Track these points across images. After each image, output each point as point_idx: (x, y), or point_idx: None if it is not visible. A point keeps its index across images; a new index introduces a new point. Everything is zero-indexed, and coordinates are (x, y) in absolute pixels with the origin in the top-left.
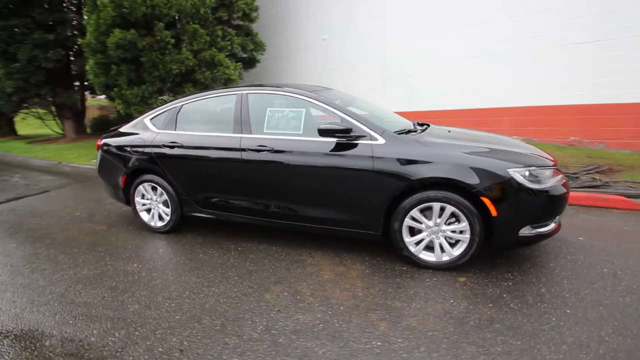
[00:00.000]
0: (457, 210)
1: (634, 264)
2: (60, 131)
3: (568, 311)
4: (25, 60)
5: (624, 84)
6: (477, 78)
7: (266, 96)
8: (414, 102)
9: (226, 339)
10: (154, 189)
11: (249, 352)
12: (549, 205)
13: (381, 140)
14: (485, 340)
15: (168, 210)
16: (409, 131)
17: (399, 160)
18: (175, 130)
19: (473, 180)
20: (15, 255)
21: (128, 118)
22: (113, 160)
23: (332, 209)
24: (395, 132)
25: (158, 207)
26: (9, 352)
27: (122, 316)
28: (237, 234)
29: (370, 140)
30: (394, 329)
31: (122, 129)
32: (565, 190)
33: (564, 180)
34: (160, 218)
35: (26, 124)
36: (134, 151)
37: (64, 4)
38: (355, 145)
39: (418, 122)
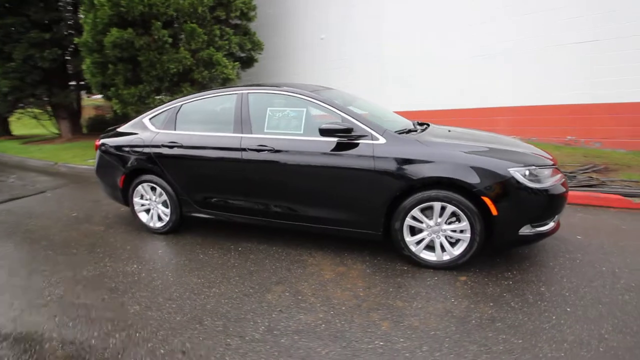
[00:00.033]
0: (457, 210)
1: (632, 262)
2: (56, 131)
3: (568, 309)
4: (21, 59)
5: (619, 84)
6: (474, 78)
7: (266, 96)
8: (411, 101)
9: (228, 340)
10: (153, 189)
11: (251, 353)
12: (548, 204)
13: (382, 140)
14: (487, 339)
15: (167, 211)
16: (409, 131)
17: (400, 160)
18: (174, 130)
19: (474, 179)
20: (12, 256)
21: (125, 118)
22: (111, 160)
23: (333, 208)
24: (395, 131)
25: (157, 207)
26: (9, 355)
27: (123, 318)
28: (236, 234)
29: (372, 140)
30: (396, 328)
31: (121, 129)
32: (564, 190)
33: (563, 180)
34: (160, 218)
35: (21, 124)
36: (132, 151)
37: (60, 3)
38: (356, 145)
39: (418, 122)
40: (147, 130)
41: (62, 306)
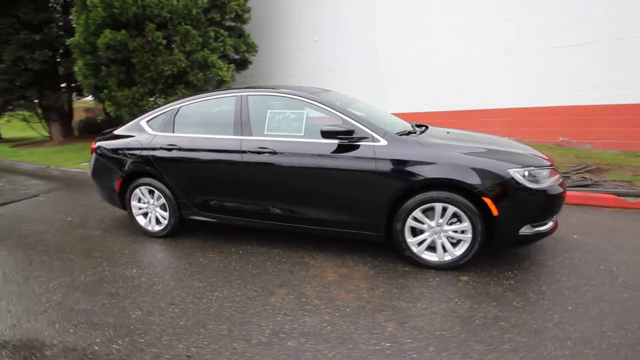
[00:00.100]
0: (459, 211)
1: (629, 260)
2: (47, 134)
3: (569, 308)
4: (11, 61)
5: (612, 86)
6: (468, 80)
7: (266, 98)
8: (406, 103)
9: (234, 344)
10: (150, 192)
11: (258, 357)
12: (547, 204)
13: (383, 142)
14: (492, 338)
15: (166, 214)
16: (408, 132)
17: (401, 161)
18: (173, 132)
19: (475, 180)
20: (7, 262)
21: (117, 120)
22: (108, 163)
23: (335, 210)
24: (396, 133)
25: (155, 210)
26: None
27: (125, 323)
28: (236, 237)
29: (373, 141)
30: (402, 329)
31: (117, 132)
32: (562, 190)
33: (561, 180)
34: (158, 222)
35: (10, 126)
36: (130, 154)
37: (50, 4)
38: (357, 146)
39: (416, 124)
40: (144, 132)
41: (62, 312)
